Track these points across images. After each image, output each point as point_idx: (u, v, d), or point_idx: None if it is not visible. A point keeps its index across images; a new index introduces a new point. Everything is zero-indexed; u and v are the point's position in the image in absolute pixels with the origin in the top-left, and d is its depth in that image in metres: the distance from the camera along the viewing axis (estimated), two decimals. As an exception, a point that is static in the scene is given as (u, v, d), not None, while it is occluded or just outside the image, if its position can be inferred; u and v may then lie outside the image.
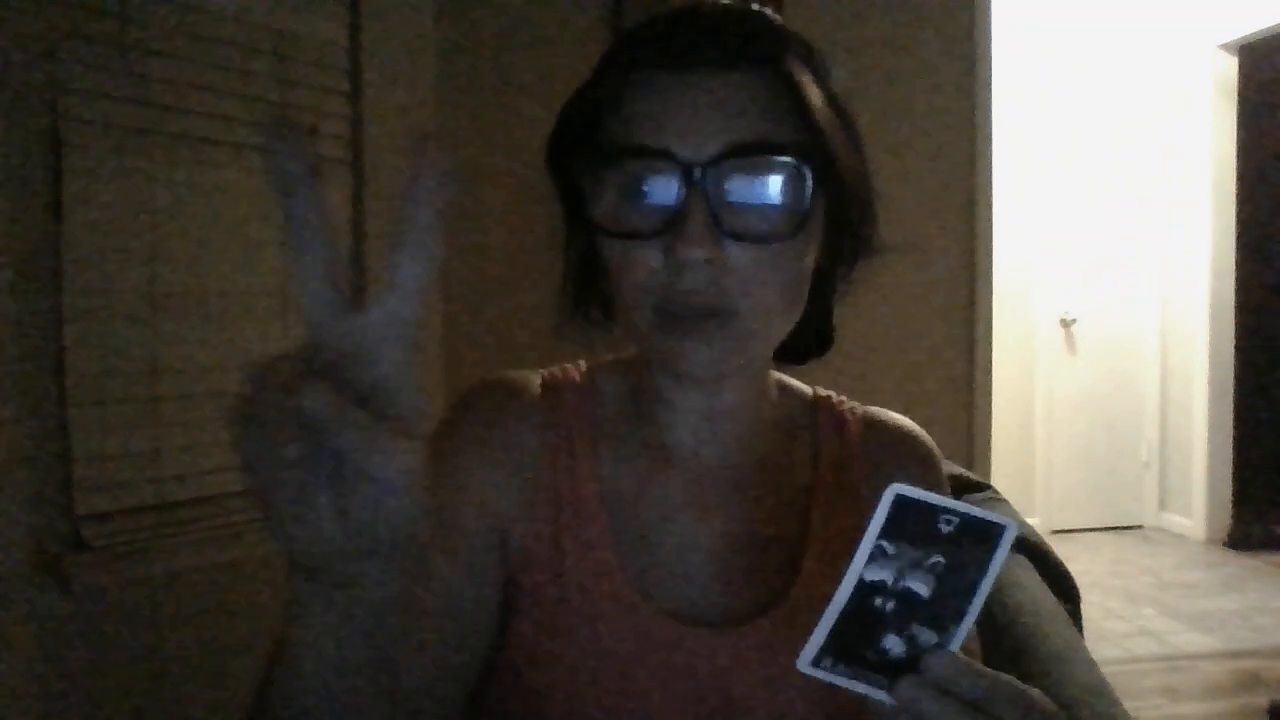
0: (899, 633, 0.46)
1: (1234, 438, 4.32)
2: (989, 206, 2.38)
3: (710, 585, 0.66)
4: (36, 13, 1.45)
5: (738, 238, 0.58)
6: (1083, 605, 0.98)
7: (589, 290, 0.70)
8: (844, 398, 0.77)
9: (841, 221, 0.65)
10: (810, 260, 0.63)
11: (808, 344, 0.73)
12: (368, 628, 0.43)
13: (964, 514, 0.45)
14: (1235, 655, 3.05)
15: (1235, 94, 4.23)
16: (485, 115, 2.14)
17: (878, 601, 0.46)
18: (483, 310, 2.10)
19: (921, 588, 0.45)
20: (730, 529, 0.68)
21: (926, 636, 0.46)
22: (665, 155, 0.58)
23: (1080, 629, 0.91)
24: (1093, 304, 4.62)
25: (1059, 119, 4.53)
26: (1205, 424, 4.33)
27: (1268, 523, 4.22)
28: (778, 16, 0.64)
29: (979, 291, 2.38)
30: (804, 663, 0.46)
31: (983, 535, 0.45)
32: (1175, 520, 4.55)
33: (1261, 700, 2.63)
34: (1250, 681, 2.85)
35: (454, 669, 0.62)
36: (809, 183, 0.59)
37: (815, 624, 0.63)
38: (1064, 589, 0.96)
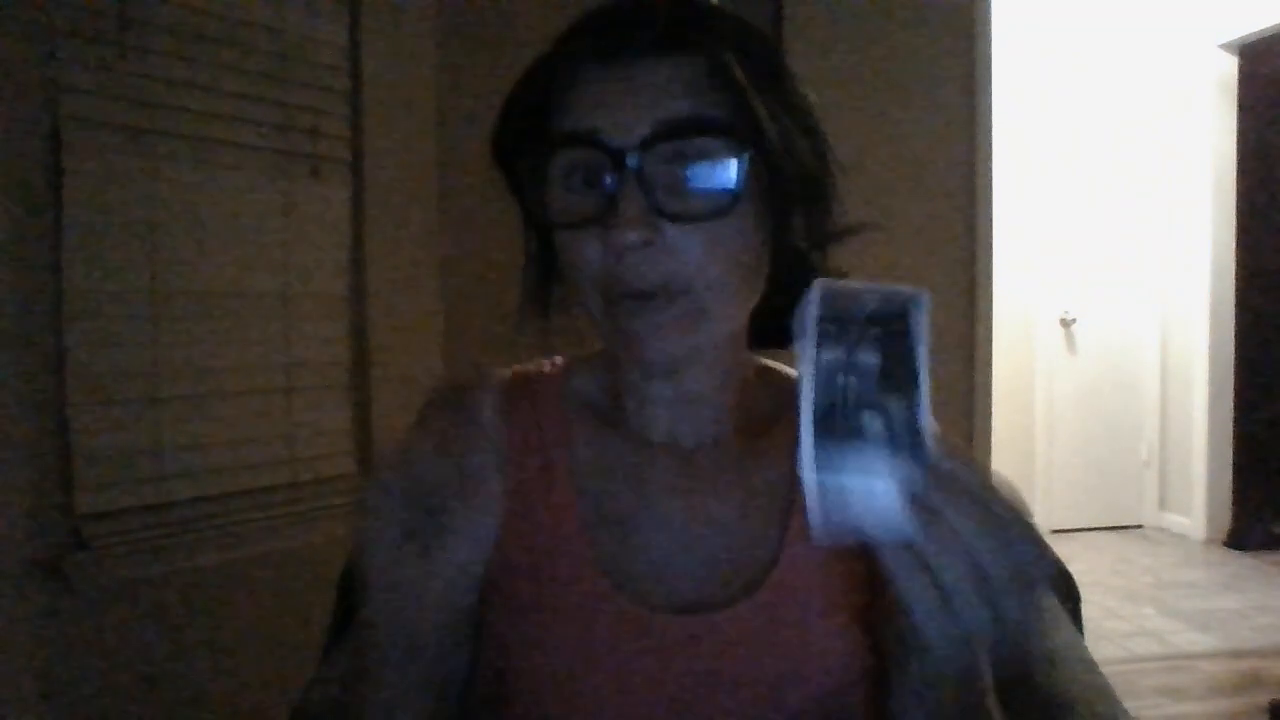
0: (870, 406, 0.48)
1: (1234, 438, 4.31)
2: (989, 206, 2.38)
3: (688, 572, 0.66)
4: (36, 13, 1.45)
5: (673, 218, 0.59)
6: (1083, 605, 0.98)
7: (549, 283, 0.70)
8: None
9: (787, 200, 0.64)
10: (757, 239, 0.63)
11: (771, 332, 0.71)
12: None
13: (879, 289, 0.48)
14: (1235, 655, 3.05)
15: (1235, 94, 4.23)
16: (485, 115, 2.14)
17: (839, 380, 0.48)
18: (483, 307, 2.10)
19: (871, 358, 0.48)
20: (707, 516, 0.68)
21: (895, 404, 0.48)
22: (595, 142, 0.59)
23: (1080, 629, 0.91)
24: (1093, 304, 4.62)
25: (1059, 119, 4.52)
26: (1205, 424, 4.33)
27: (1268, 523, 4.22)
28: (713, 2, 0.64)
29: (979, 291, 2.38)
30: (806, 470, 0.47)
31: (903, 305, 0.48)
32: (1175, 520, 4.55)
33: (1262, 700, 2.63)
34: (1251, 681, 2.85)
35: (436, 681, 0.62)
36: (740, 160, 0.59)
37: (793, 617, 0.64)
38: (1064, 588, 0.96)
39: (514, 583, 0.66)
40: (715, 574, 0.66)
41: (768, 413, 0.73)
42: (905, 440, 0.47)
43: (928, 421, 0.47)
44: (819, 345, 0.48)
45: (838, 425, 0.48)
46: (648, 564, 0.66)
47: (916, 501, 0.46)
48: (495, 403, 0.69)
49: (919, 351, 0.48)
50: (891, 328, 0.48)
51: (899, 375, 0.48)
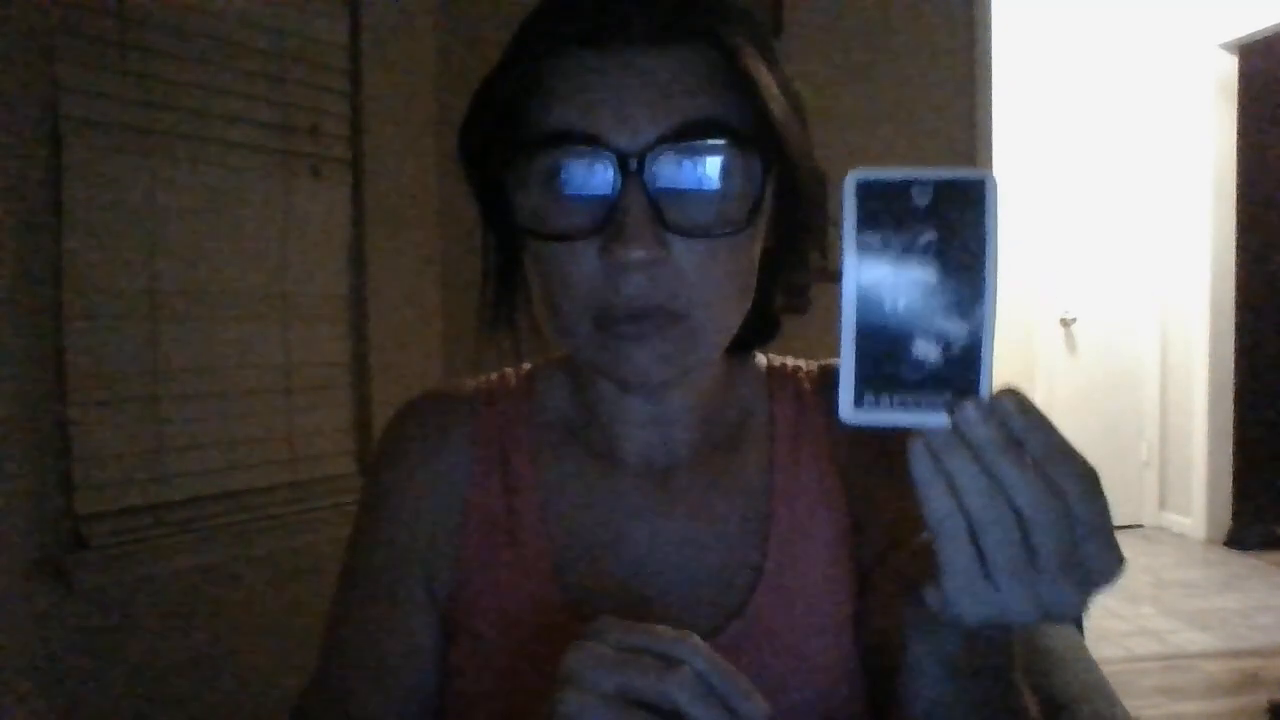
0: (926, 333, 0.40)
1: (1234, 438, 4.31)
2: (989, 206, 2.37)
3: (667, 599, 0.61)
4: (36, 12, 1.45)
5: (683, 233, 0.52)
6: (1082, 605, 0.98)
7: (513, 297, 0.64)
8: (800, 362, 0.71)
9: (791, 206, 0.58)
10: (758, 250, 0.58)
11: (749, 335, 0.64)
12: None
13: (935, 179, 0.40)
14: (1235, 654, 3.05)
15: (1235, 94, 4.23)
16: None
17: (887, 305, 0.40)
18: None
19: (925, 273, 0.40)
20: (687, 534, 0.62)
21: (955, 327, 0.40)
22: (595, 142, 0.51)
23: (1080, 628, 0.91)
24: (1093, 304, 4.62)
25: (1059, 119, 4.52)
26: (1205, 424, 4.33)
27: (1267, 522, 4.22)
28: None
29: (979, 291, 2.37)
30: (846, 412, 0.41)
31: (964, 196, 0.40)
32: (1175, 519, 4.55)
33: (1261, 699, 2.63)
34: (1250, 680, 2.85)
35: (393, 714, 0.61)
36: (759, 168, 0.53)
37: (778, 639, 0.60)
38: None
39: (476, 619, 0.62)
40: (697, 604, 0.61)
41: (742, 411, 0.68)
42: (964, 376, 0.40)
43: (992, 352, 0.40)
44: (860, 258, 0.40)
45: (886, 354, 0.40)
46: (624, 601, 0.61)
47: (970, 450, 0.39)
48: (463, 420, 0.67)
49: (986, 253, 0.39)
50: (950, 226, 0.39)
51: (960, 289, 0.40)
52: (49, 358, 1.49)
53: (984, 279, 0.40)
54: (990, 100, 2.35)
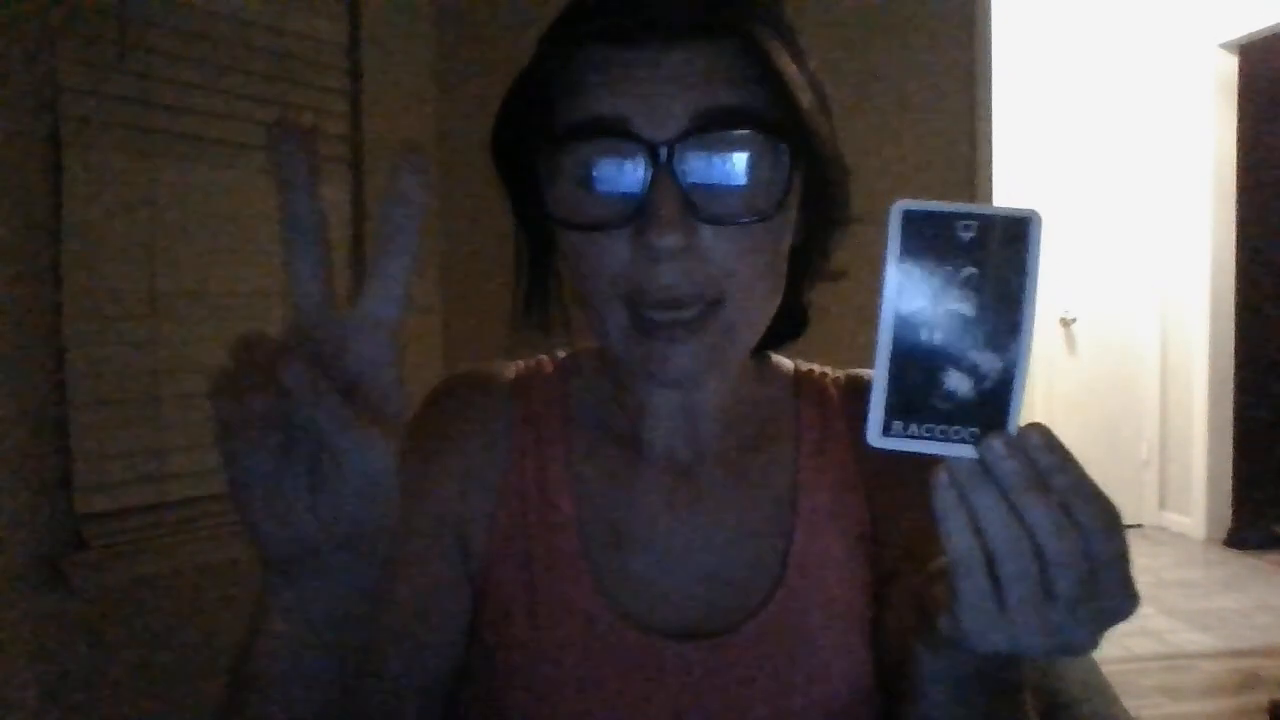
0: (959, 366, 0.41)
1: (1234, 437, 4.31)
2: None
3: (690, 592, 0.63)
4: (36, 12, 1.45)
5: (713, 221, 0.53)
6: (1083, 604, 0.98)
7: (546, 289, 0.65)
8: (827, 369, 0.72)
9: (818, 197, 0.60)
10: (788, 240, 0.59)
11: (779, 329, 0.65)
12: (335, 630, 0.43)
13: (981, 214, 0.40)
14: (1235, 654, 3.05)
15: (1235, 94, 4.23)
16: (485, 114, 2.14)
17: (924, 335, 0.41)
18: (483, 307, 2.10)
19: (964, 306, 0.40)
20: (711, 530, 0.64)
21: (988, 361, 0.40)
22: (626, 133, 0.52)
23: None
24: (1093, 304, 4.62)
25: (1059, 118, 4.53)
26: (1205, 423, 4.33)
27: (1268, 522, 4.22)
28: None
29: (979, 291, 2.37)
30: (874, 435, 0.41)
31: (1008, 233, 0.40)
32: (1175, 519, 4.55)
33: (1262, 699, 2.63)
34: (1250, 680, 2.85)
35: (415, 679, 0.60)
36: (787, 157, 0.54)
37: (806, 624, 0.61)
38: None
39: (504, 595, 0.62)
40: (721, 595, 0.63)
41: (770, 412, 0.69)
42: (994, 410, 0.41)
43: (1024, 388, 0.41)
44: (900, 286, 0.40)
45: (919, 384, 0.41)
46: (650, 588, 0.63)
47: (994, 484, 0.40)
48: (505, 397, 0.67)
49: (1025, 291, 0.40)
50: (992, 261, 0.40)
51: (996, 324, 0.40)
52: (49, 358, 1.49)
53: (1022, 315, 0.40)
54: (990, 99, 2.35)
